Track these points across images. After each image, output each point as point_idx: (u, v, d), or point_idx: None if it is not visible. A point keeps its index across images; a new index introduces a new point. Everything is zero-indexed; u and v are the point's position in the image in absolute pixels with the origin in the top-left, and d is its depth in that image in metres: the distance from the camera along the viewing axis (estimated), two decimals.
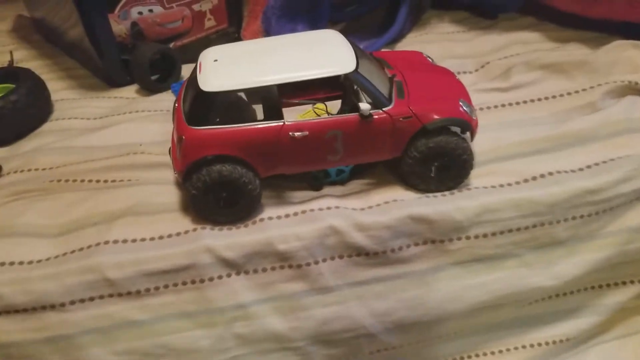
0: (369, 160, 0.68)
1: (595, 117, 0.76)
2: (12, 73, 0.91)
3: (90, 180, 0.74)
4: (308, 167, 0.67)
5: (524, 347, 0.76)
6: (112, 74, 0.95)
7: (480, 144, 0.72)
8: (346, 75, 0.63)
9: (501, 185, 0.69)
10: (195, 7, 0.97)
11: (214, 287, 0.64)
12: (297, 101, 0.70)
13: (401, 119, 0.64)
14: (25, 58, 1.06)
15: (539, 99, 0.81)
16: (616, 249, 0.72)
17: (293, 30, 0.94)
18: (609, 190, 0.69)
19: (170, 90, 0.93)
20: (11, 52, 1.02)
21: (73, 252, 0.64)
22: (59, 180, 0.75)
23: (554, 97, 0.81)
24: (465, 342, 0.75)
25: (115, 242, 0.64)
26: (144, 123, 0.84)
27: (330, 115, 0.66)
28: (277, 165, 0.65)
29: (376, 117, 0.64)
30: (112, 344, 0.64)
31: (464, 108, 0.67)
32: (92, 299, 0.63)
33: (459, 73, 0.88)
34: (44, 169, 0.78)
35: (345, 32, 0.70)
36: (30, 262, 0.64)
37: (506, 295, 0.70)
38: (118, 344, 0.64)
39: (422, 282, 0.68)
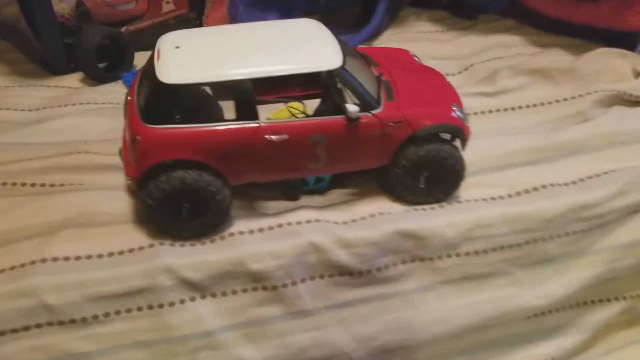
0: (353, 169, 0.65)
1: (584, 128, 0.78)
2: None
3: (23, 184, 0.68)
4: (285, 175, 0.63)
5: None
6: (52, 60, 0.90)
7: (468, 152, 0.71)
8: (331, 72, 0.59)
9: (492, 198, 0.69)
10: None
11: (175, 312, 0.60)
12: (271, 99, 0.66)
13: (391, 123, 0.61)
14: None
15: (527, 106, 0.83)
16: (605, 267, 0.73)
17: (262, 20, 0.91)
18: (602, 206, 0.70)
19: (120, 81, 0.88)
20: None
21: (3, 271, 0.58)
22: None
23: (542, 104, 0.83)
24: None
25: (55, 259, 0.58)
26: (89, 117, 0.79)
27: (310, 117, 0.62)
28: (250, 172, 0.61)
29: (364, 120, 0.60)
30: None
31: (458, 113, 0.64)
32: (27, 328, 0.57)
33: None
34: None
35: None
36: None
37: (496, 316, 0.69)
38: None
39: (409, 303, 0.66)
